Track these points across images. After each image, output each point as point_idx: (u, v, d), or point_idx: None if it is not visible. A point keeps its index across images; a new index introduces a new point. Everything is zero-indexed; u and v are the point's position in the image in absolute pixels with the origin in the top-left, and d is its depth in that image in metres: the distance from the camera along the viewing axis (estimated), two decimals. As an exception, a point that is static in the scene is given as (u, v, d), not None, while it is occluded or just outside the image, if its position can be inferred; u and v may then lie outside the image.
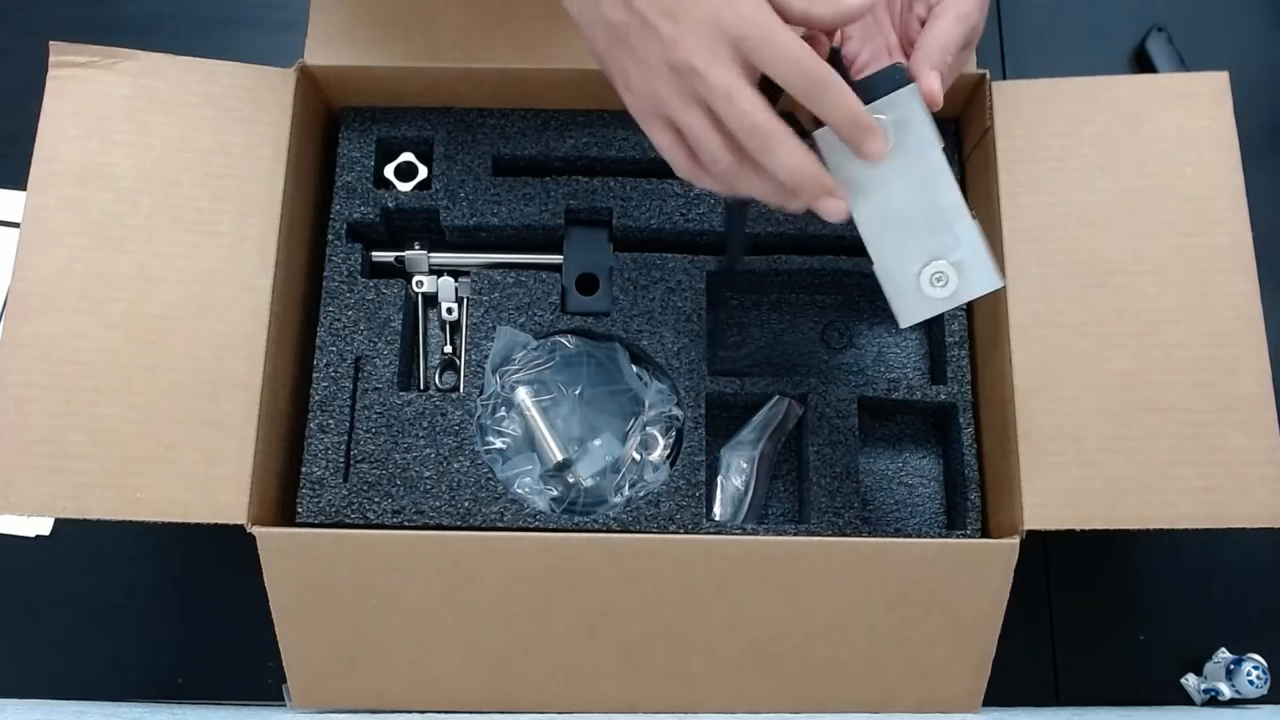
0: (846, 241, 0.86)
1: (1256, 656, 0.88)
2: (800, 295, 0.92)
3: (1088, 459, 0.75)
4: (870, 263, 0.68)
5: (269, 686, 0.88)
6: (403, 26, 0.84)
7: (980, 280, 0.67)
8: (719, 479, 0.86)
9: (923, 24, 0.67)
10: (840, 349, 0.90)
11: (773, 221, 0.86)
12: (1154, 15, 1.04)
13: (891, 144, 0.63)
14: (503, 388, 0.84)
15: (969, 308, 0.85)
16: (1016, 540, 0.74)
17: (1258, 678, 0.86)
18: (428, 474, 0.81)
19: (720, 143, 0.61)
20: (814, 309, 0.92)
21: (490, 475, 0.81)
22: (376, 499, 0.80)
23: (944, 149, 0.65)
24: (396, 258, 0.87)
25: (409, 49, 0.83)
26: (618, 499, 0.82)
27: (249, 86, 0.82)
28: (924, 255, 0.66)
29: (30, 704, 0.85)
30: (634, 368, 0.86)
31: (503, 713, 0.78)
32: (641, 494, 0.82)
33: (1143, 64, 1.03)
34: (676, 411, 0.83)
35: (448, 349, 0.88)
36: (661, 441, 0.84)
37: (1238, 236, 0.78)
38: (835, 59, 0.65)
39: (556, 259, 0.86)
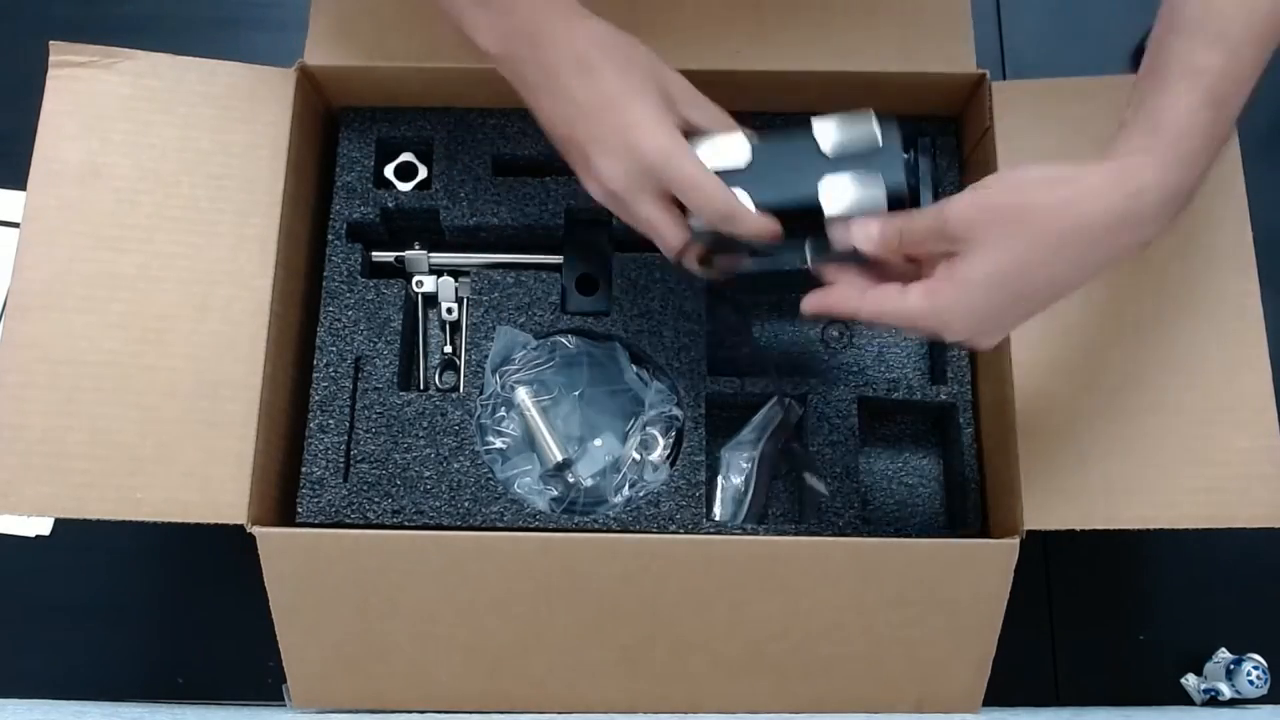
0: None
1: (1256, 656, 0.88)
2: (800, 295, 0.91)
3: (1088, 459, 0.75)
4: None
5: (269, 686, 0.88)
6: (403, 26, 0.83)
7: None
8: (719, 479, 0.86)
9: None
10: (840, 349, 0.90)
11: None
12: (1154, 15, 1.04)
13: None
14: (503, 388, 0.84)
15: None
16: (1016, 540, 0.74)
17: (1258, 678, 0.86)
18: (428, 474, 0.81)
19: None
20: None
21: (490, 475, 0.81)
22: (376, 499, 0.80)
23: None
24: (396, 258, 0.87)
25: (409, 49, 0.83)
26: (618, 499, 0.82)
27: (249, 86, 0.82)
28: None
29: (30, 704, 0.85)
30: (634, 367, 0.86)
31: (503, 713, 0.78)
32: (641, 494, 0.82)
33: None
34: (676, 411, 0.83)
35: (448, 349, 0.88)
36: (661, 441, 0.84)
37: (1238, 235, 0.78)
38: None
39: (556, 259, 0.86)
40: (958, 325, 0.64)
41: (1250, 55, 0.62)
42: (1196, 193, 0.63)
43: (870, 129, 0.70)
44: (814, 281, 0.71)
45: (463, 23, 0.70)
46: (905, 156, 0.70)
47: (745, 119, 0.86)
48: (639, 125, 0.66)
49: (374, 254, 0.87)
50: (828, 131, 0.70)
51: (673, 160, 0.66)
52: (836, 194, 0.68)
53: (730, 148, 0.70)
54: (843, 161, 0.69)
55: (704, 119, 0.70)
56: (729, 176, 0.68)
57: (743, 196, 0.68)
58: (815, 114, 0.70)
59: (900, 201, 0.68)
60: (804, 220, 0.68)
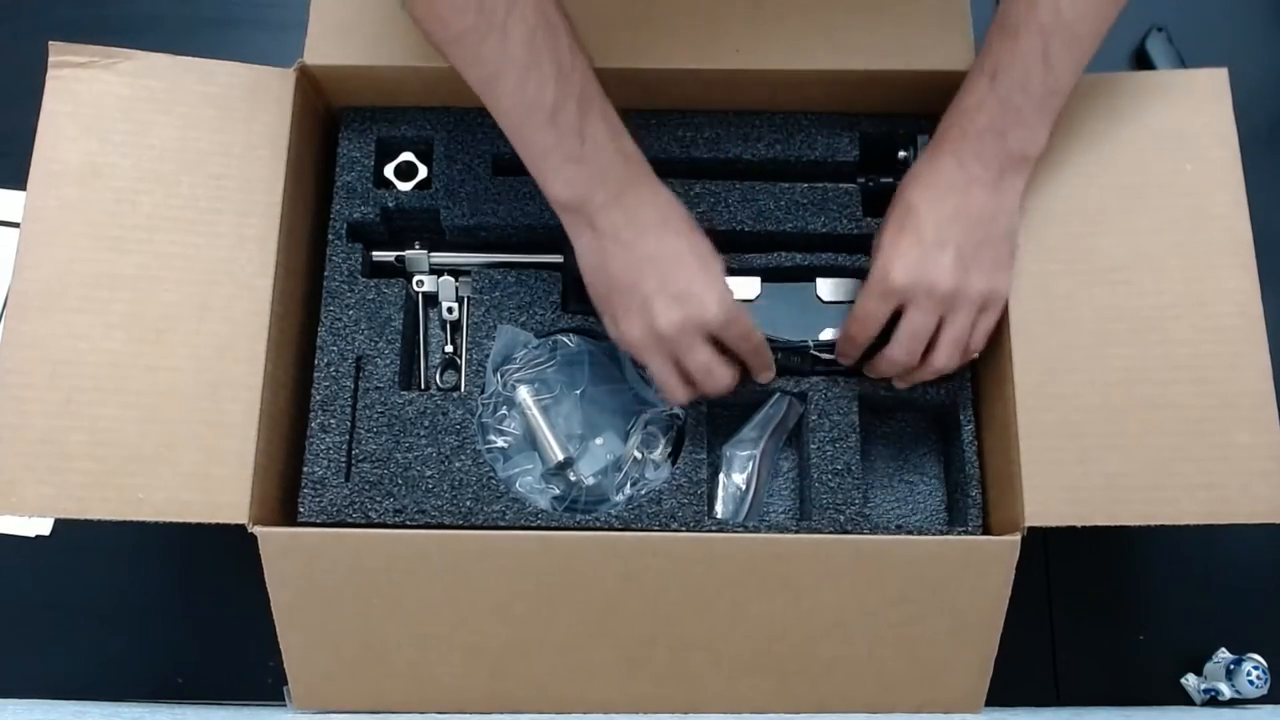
0: (847, 240, 0.87)
1: (1256, 656, 0.88)
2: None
3: (1088, 456, 0.75)
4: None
5: (269, 686, 0.88)
6: (403, 26, 0.83)
7: None
8: (720, 477, 0.86)
9: None
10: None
11: (773, 220, 0.86)
12: (1154, 15, 1.04)
13: None
14: (504, 386, 0.84)
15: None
16: (1018, 537, 0.74)
17: (1258, 678, 0.86)
18: (429, 473, 0.81)
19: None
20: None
21: (492, 474, 0.81)
22: (378, 498, 0.80)
23: None
24: (397, 257, 0.87)
25: (409, 49, 0.83)
26: (619, 497, 0.82)
27: (249, 86, 0.82)
28: None
29: (30, 704, 0.85)
30: (635, 366, 0.85)
31: (504, 714, 0.77)
32: (643, 492, 0.82)
33: (1143, 64, 1.03)
34: (677, 410, 0.83)
35: (449, 348, 0.88)
36: (663, 440, 0.84)
37: (1238, 233, 0.78)
38: None
39: (557, 258, 0.86)
40: (895, 267, 0.75)
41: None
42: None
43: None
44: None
45: (545, 168, 0.73)
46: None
47: (746, 118, 0.87)
48: (711, 284, 0.75)
49: (374, 254, 0.87)
50: (826, 286, 0.85)
51: (739, 318, 0.76)
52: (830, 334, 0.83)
53: (744, 284, 0.84)
54: (836, 307, 0.84)
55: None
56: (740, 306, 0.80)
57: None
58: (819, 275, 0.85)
59: None
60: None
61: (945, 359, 0.78)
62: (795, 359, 0.85)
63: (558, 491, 0.83)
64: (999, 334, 0.79)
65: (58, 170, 0.79)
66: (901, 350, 0.78)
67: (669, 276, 0.74)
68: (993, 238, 0.76)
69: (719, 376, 0.77)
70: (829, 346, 0.84)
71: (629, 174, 0.74)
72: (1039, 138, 0.76)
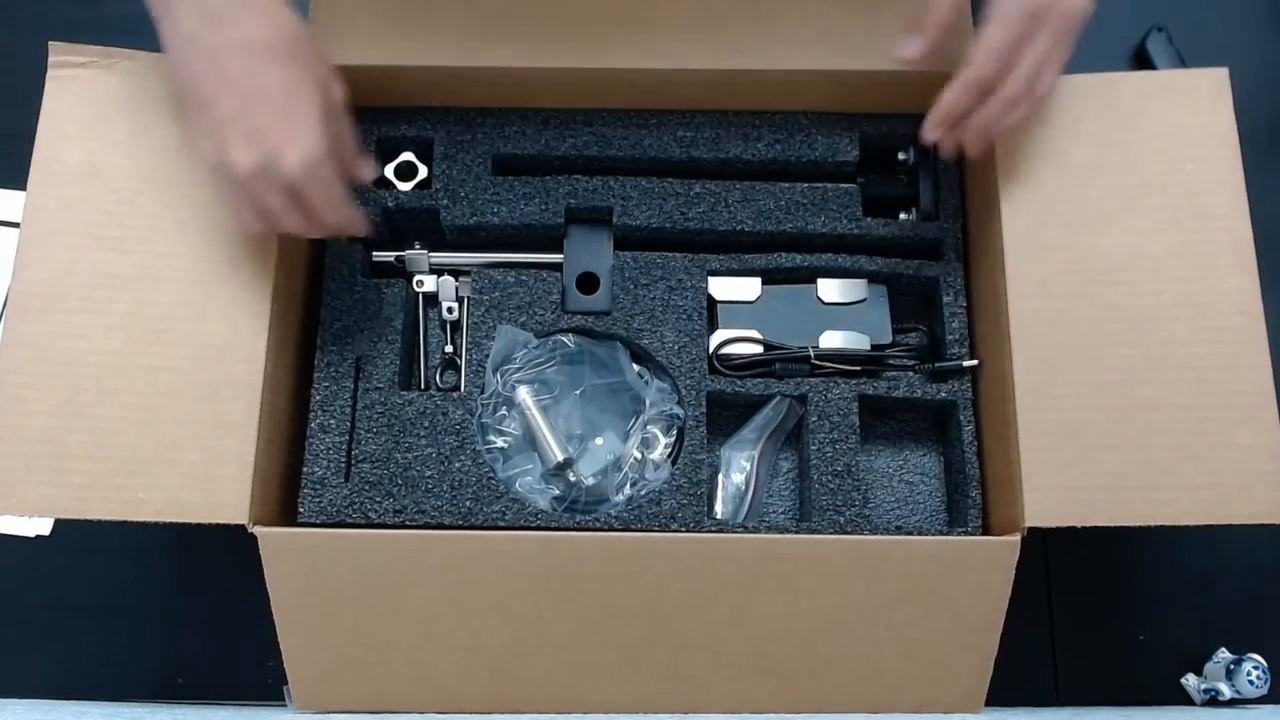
0: (847, 240, 0.87)
1: (1256, 656, 0.88)
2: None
3: (1088, 456, 0.75)
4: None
5: (269, 686, 0.88)
6: (402, 26, 0.83)
7: None
8: (720, 477, 0.86)
9: None
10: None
11: (773, 220, 0.86)
12: (1154, 15, 1.04)
13: None
14: (504, 387, 0.84)
15: (969, 305, 0.85)
16: (1018, 538, 0.74)
17: (1258, 678, 0.86)
18: (429, 473, 0.81)
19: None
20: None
21: (491, 474, 0.81)
22: (378, 499, 0.80)
23: None
24: (397, 257, 0.87)
25: (409, 49, 0.83)
26: (619, 498, 0.82)
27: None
28: None
29: (30, 704, 0.85)
30: (635, 366, 0.86)
31: (504, 714, 0.77)
32: (643, 492, 0.82)
33: (1143, 64, 1.03)
34: (678, 410, 0.83)
35: (449, 348, 0.88)
36: (663, 440, 0.84)
37: (1238, 232, 0.78)
38: None
39: (557, 258, 0.86)
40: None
41: None
42: None
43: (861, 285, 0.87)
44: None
45: None
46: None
47: (746, 118, 0.87)
48: (295, 131, 0.68)
49: (374, 254, 0.87)
50: (827, 287, 0.87)
51: (321, 176, 0.70)
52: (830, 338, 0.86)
53: (744, 285, 0.86)
54: (836, 308, 0.87)
55: (343, 132, 0.74)
56: (740, 307, 0.86)
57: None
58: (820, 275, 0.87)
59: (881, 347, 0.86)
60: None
61: (1049, 81, 0.75)
62: (794, 366, 0.85)
63: (557, 492, 0.83)
64: (999, 332, 0.79)
65: (58, 170, 0.79)
66: (1010, 89, 0.73)
67: (249, 108, 0.67)
68: None
69: (287, 224, 0.72)
70: (830, 356, 0.85)
71: None
72: None
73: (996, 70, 0.73)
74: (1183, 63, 1.01)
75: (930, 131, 0.77)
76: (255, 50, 0.68)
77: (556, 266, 0.86)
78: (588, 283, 0.86)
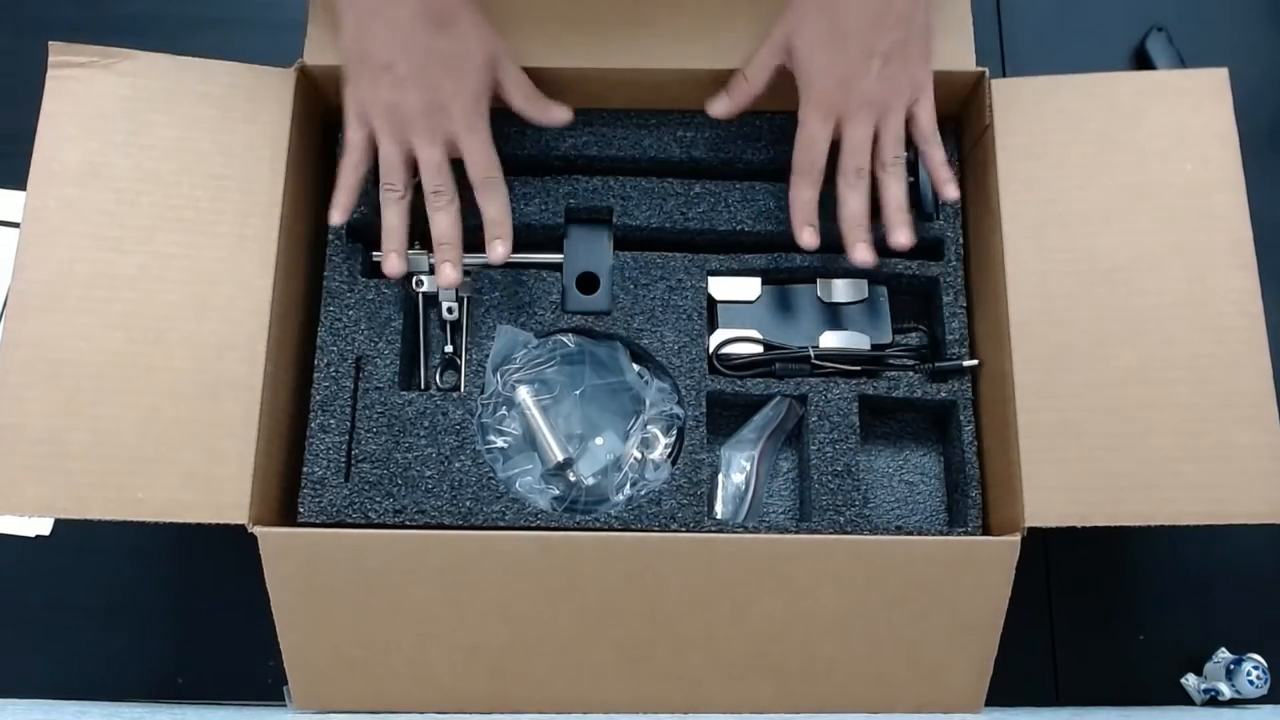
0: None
1: (1256, 656, 0.88)
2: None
3: (1088, 456, 0.75)
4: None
5: (269, 686, 0.88)
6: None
7: None
8: (720, 477, 0.86)
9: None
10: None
11: (772, 220, 0.86)
12: (1154, 15, 1.04)
13: None
14: (503, 387, 0.84)
15: (969, 304, 0.85)
16: (1018, 537, 0.74)
17: (1258, 678, 0.86)
18: (429, 473, 0.81)
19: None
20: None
21: (491, 474, 0.81)
22: (378, 499, 0.80)
23: None
24: None
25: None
26: (619, 497, 0.82)
27: (249, 86, 0.82)
28: None
29: (30, 704, 0.85)
30: (635, 366, 0.86)
31: (504, 714, 0.77)
32: (643, 492, 0.82)
33: (1143, 64, 1.03)
34: (677, 410, 0.83)
35: (448, 349, 0.88)
36: (663, 440, 0.84)
37: (1238, 232, 0.78)
38: None
39: (557, 258, 0.86)
40: (828, 85, 0.77)
41: None
42: None
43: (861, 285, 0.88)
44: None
45: None
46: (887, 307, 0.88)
47: (746, 118, 0.87)
48: (462, 90, 0.78)
49: (374, 254, 0.87)
50: (827, 287, 0.88)
51: (470, 136, 0.79)
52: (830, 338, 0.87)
53: (744, 285, 0.87)
54: (836, 308, 0.88)
55: (513, 85, 0.82)
56: (740, 307, 0.87)
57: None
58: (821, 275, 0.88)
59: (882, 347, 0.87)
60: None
61: (889, 157, 0.80)
62: (794, 366, 0.85)
63: (557, 492, 0.83)
64: (999, 332, 0.79)
65: (58, 170, 0.79)
66: (852, 174, 0.80)
67: (425, 66, 0.77)
68: (912, 34, 0.78)
69: (438, 175, 0.80)
70: (830, 356, 0.85)
71: None
72: None
73: (814, 159, 0.80)
74: (1183, 63, 1.01)
75: (808, 238, 0.82)
76: (429, 18, 0.76)
77: (556, 266, 0.86)
78: (588, 283, 0.86)
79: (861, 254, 0.80)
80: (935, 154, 0.81)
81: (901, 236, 0.80)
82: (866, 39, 0.77)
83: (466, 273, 0.87)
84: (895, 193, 0.80)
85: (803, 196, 0.81)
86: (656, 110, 0.88)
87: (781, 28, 0.80)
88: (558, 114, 0.83)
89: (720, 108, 0.83)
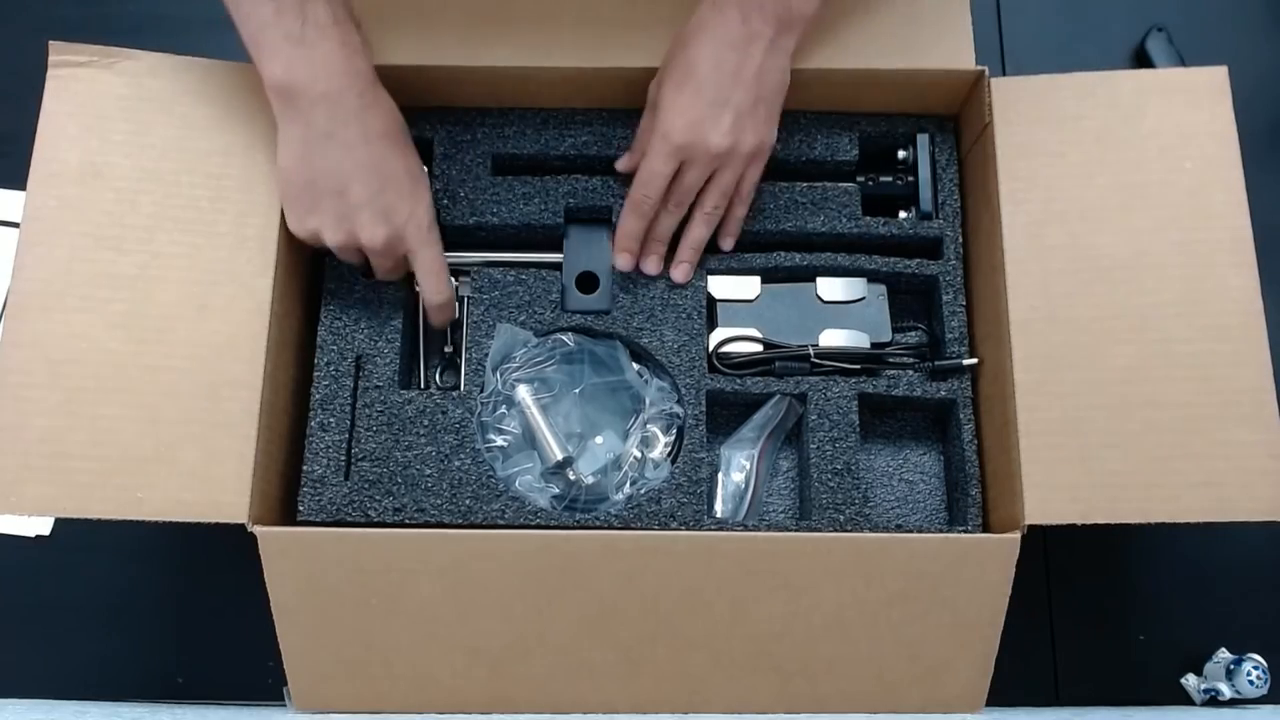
0: (846, 239, 0.87)
1: (1256, 656, 0.88)
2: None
3: (1088, 454, 0.75)
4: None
5: (269, 686, 0.88)
6: (402, 26, 0.84)
7: None
8: (720, 476, 0.86)
9: None
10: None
11: (772, 219, 0.86)
12: (1154, 15, 1.05)
13: None
14: (503, 385, 0.84)
15: (968, 303, 0.85)
16: (1018, 535, 0.74)
17: (1258, 678, 0.86)
18: (429, 472, 0.81)
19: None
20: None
21: (491, 473, 0.81)
22: (377, 497, 0.80)
23: None
24: None
25: (409, 49, 0.83)
26: (619, 496, 0.82)
27: (249, 86, 0.82)
28: None
29: (30, 704, 0.85)
30: (634, 365, 0.86)
31: (504, 714, 0.77)
32: (643, 491, 0.82)
33: (1142, 64, 1.04)
34: (677, 409, 0.83)
35: (448, 348, 0.88)
36: (662, 439, 0.84)
37: (1237, 231, 0.78)
38: None
39: (556, 258, 0.86)
40: (676, 124, 0.78)
41: None
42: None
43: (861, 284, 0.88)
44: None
45: (262, 44, 0.74)
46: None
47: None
48: (416, 208, 0.79)
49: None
50: (827, 286, 0.87)
51: (426, 251, 0.81)
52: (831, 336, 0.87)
53: (744, 284, 0.87)
54: (836, 307, 0.88)
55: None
56: (740, 306, 0.87)
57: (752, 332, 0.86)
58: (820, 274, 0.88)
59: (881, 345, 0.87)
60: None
61: (710, 207, 0.83)
62: (794, 364, 0.85)
63: (557, 490, 0.83)
64: (999, 330, 0.79)
65: (58, 170, 0.79)
66: (677, 205, 0.82)
67: (381, 191, 0.77)
68: (765, 95, 0.80)
69: (391, 276, 0.84)
70: (830, 354, 0.85)
71: (350, 68, 0.74)
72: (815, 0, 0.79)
73: (649, 194, 0.81)
74: (1183, 63, 1.02)
75: (623, 262, 0.85)
76: (389, 138, 0.77)
77: (556, 266, 0.86)
78: (587, 282, 0.86)
79: (673, 274, 0.85)
80: (738, 211, 0.85)
81: (677, 274, 0.85)
82: (720, 90, 0.78)
83: (465, 273, 0.87)
84: (698, 234, 0.84)
85: (629, 227, 0.84)
86: (656, 110, 0.88)
87: (655, 79, 0.83)
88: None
89: (623, 163, 0.86)
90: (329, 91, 0.73)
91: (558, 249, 0.87)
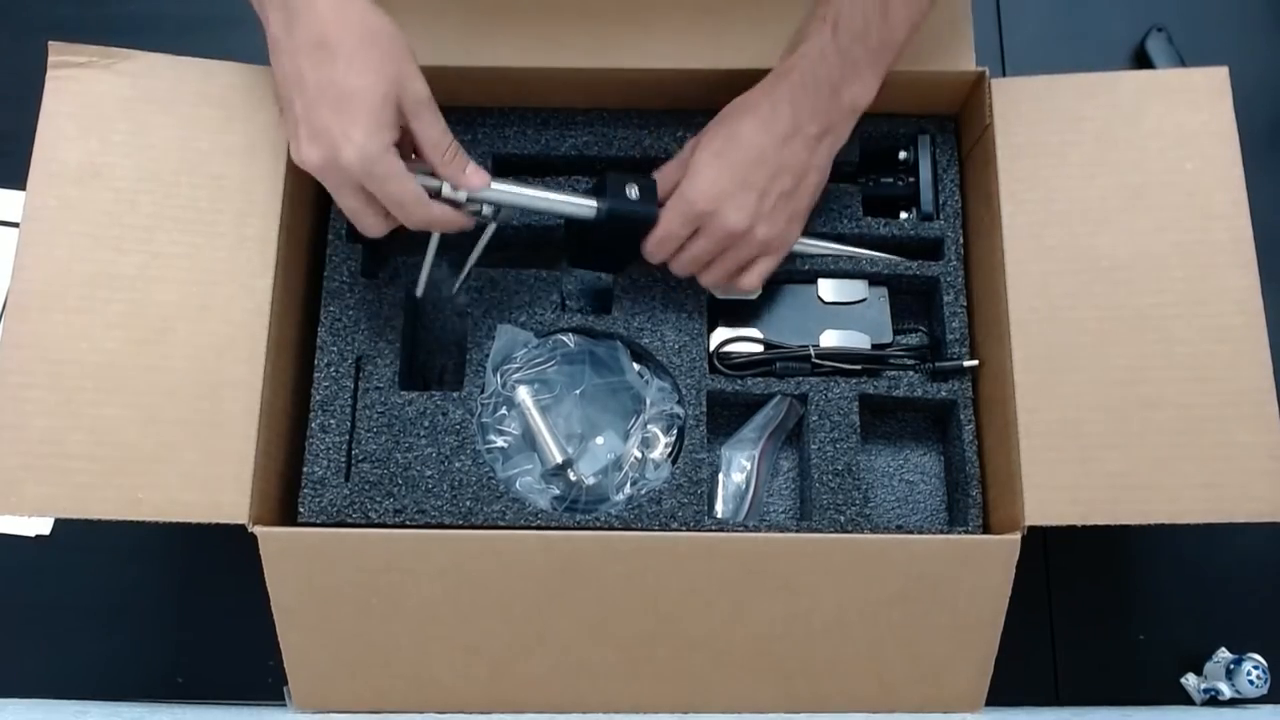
0: (847, 239, 0.87)
1: (1256, 656, 0.88)
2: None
3: (1089, 455, 0.75)
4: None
5: (269, 686, 0.88)
6: (402, 26, 0.83)
7: None
8: (720, 477, 0.86)
9: None
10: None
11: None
12: (1154, 15, 1.05)
13: None
14: (503, 386, 0.84)
15: (969, 304, 0.85)
16: (1018, 536, 0.74)
17: (1258, 678, 0.86)
18: (429, 473, 0.81)
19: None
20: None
21: (492, 474, 0.81)
22: (378, 498, 0.80)
23: None
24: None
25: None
26: (619, 497, 0.82)
27: (248, 86, 0.82)
28: None
29: (30, 704, 0.85)
30: (635, 366, 0.86)
31: (504, 714, 0.77)
32: (643, 492, 0.82)
33: (1143, 64, 1.04)
34: (678, 409, 0.83)
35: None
36: (663, 439, 0.84)
37: (1238, 231, 0.78)
38: None
39: (589, 205, 0.80)
40: (703, 191, 0.77)
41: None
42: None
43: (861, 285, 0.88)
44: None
45: None
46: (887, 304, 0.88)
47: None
48: (348, 130, 0.69)
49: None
50: (828, 287, 0.88)
51: (375, 169, 0.70)
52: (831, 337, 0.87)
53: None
54: (836, 308, 0.88)
55: (425, 132, 0.73)
56: (741, 306, 0.86)
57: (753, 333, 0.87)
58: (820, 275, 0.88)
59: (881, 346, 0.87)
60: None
61: (711, 282, 0.83)
62: (794, 365, 0.85)
63: (558, 491, 0.83)
64: (999, 331, 0.79)
65: (58, 170, 0.79)
66: (681, 267, 0.81)
67: (313, 111, 0.69)
68: (800, 192, 0.79)
69: (368, 226, 0.74)
70: (830, 355, 0.85)
71: None
72: (870, 90, 0.78)
73: (661, 255, 0.81)
74: (1183, 63, 1.02)
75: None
76: (322, 48, 0.69)
77: (555, 267, 0.86)
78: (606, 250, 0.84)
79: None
80: (746, 288, 0.83)
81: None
82: (754, 173, 0.77)
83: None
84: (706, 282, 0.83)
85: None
86: (656, 110, 0.88)
87: (691, 142, 0.82)
88: (474, 178, 0.75)
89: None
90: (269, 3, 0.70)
91: (557, 249, 0.87)
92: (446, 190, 0.75)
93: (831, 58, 0.76)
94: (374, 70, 0.69)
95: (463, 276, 0.85)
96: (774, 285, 0.87)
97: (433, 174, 0.74)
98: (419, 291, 0.82)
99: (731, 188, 0.77)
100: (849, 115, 0.78)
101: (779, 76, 0.78)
